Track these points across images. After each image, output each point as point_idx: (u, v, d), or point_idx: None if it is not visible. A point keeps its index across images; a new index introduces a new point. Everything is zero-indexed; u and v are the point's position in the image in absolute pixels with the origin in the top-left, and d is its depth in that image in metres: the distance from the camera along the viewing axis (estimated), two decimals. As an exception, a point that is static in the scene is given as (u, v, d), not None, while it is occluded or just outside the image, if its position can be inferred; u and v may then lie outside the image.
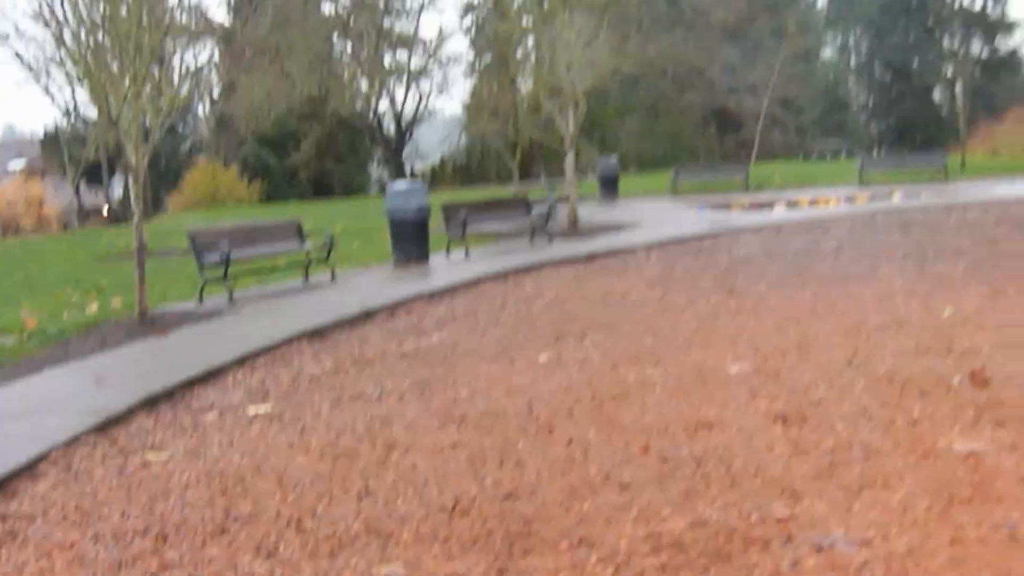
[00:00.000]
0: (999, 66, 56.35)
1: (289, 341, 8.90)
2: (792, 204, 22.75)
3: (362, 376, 7.36)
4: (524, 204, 17.89)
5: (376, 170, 55.80)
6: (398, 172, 48.13)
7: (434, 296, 11.47)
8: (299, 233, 14.12)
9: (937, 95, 60.77)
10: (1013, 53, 58.15)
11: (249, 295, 12.32)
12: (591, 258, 14.49)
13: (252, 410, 6.50)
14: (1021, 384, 5.74)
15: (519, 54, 32.59)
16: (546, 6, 20.08)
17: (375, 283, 13.09)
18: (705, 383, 6.33)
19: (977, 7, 57.24)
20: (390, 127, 50.61)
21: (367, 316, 10.12)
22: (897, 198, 22.43)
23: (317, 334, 9.26)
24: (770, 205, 22.78)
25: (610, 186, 28.85)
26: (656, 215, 21.77)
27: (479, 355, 7.82)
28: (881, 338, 7.25)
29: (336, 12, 46.85)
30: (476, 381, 6.85)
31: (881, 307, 8.59)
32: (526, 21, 23.13)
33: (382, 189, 47.54)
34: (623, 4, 25.73)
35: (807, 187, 28.18)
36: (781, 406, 5.63)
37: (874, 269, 11.18)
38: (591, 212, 22.96)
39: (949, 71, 58.34)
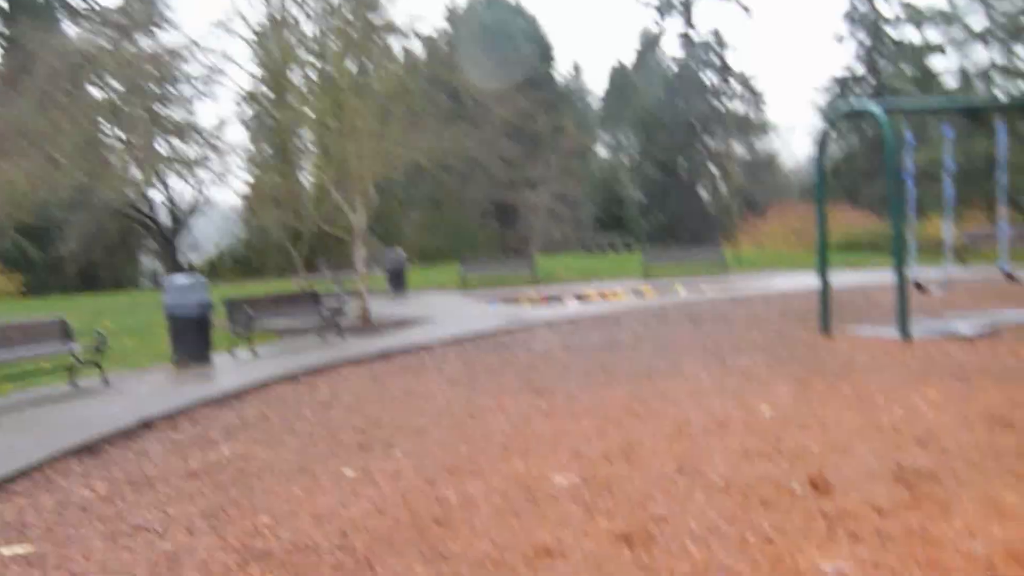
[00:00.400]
0: (760, 166, 60.45)
1: (53, 460, 7.75)
2: (582, 297, 22.95)
3: (142, 502, 6.37)
4: (313, 299, 17.08)
5: (149, 262, 53.25)
6: (173, 264, 45.95)
7: (221, 401, 10.50)
8: (64, 332, 12.75)
9: (703, 192, 64.51)
10: (772, 156, 62.82)
11: (5, 404, 10.92)
12: (387, 356, 13.85)
13: (6, 552, 5.45)
14: (862, 490, 5.53)
15: (302, 144, 31.97)
16: (331, 97, 19.54)
17: (154, 387, 11.94)
18: (533, 499, 5.79)
19: (739, 112, 61.52)
20: (164, 217, 48.44)
21: (146, 427, 9.06)
22: (683, 291, 23.04)
23: (87, 450, 8.13)
24: (560, 299, 22.89)
25: (399, 279, 28.50)
26: (448, 309, 21.42)
27: (277, 471, 7.00)
28: (707, 440, 6.97)
29: (106, 96, 44.68)
30: (277, 504, 6.04)
31: (698, 406, 8.38)
32: (309, 111, 22.52)
33: (155, 282, 45.21)
34: (410, 96, 25.60)
35: (593, 280, 28.67)
36: (622, 525, 5.16)
37: (678, 364, 11.09)
38: (381, 306, 22.36)
39: (713, 170, 62.29)
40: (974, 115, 24.46)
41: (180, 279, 14.50)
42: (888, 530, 4.84)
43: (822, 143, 14.64)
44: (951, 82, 44.68)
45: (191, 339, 13.82)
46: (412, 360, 13.34)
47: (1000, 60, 41.15)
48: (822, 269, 13.83)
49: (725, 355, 11.65)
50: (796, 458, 6.31)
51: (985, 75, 41.83)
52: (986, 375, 9.23)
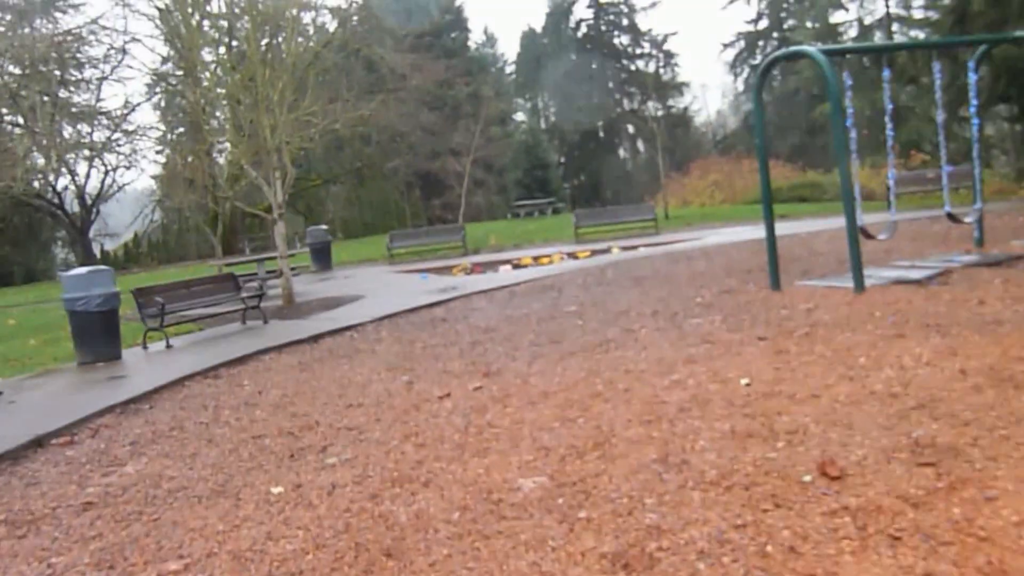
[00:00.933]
0: (676, 124, 60.38)
1: (-75, 494, 6.61)
2: (516, 264, 22.09)
3: (23, 550, 5.24)
4: (232, 282, 15.89)
5: (62, 253, 51.15)
6: (86, 254, 43.94)
7: (129, 407, 9.35)
8: (-47, 338, 11.49)
9: (623, 152, 64.48)
10: (685, 110, 63.02)
11: None
12: (316, 340, 12.79)
13: None
14: (881, 475, 4.69)
15: (215, 122, 30.65)
16: (242, 69, 18.32)
17: (53, 394, 10.69)
18: (500, 512, 4.84)
19: (652, 72, 61.50)
20: (74, 205, 46.26)
21: (38, 445, 7.90)
22: (618, 251, 22.28)
23: (-37, 480, 6.98)
24: (494, 266, 22.00)
25: (323, 256, 27.43)
26: (377, 284, 20.33)
27: (192, 494, 5.94)
28: (688, 423, 6.07)
29: (3, 82, 42.28)
30: (191, 541, 4.99)
31: (666, 379, 7.48)
32: (220, 86, 21.23)
33: (69, 273, 43.18)
34: (324, 67, 24.41)
35: (524, 245, 27.81)
36: (613, 542, 4.23)
37: (632, 331, 10.21)
38: (306, 285, 21.28)
39: (630, 130, 62.29)
40: (891, 61, 24.38)
41: (79, 270, 13.19)
42: (929, 527, 4.01)
43: (758, 91, 13.85)
44: (851, 32, 47.28)
45: (96, 336, 12.58)
46: (343, 343, 12.32)
47: (895, 10, 42.47)
48: (769, 221, 13.11)
49: (679, 318, 10.81)
50: (794, 438, 5.46)
51: (882, 24, 43.00)
52: (964, 326, 8.49)
